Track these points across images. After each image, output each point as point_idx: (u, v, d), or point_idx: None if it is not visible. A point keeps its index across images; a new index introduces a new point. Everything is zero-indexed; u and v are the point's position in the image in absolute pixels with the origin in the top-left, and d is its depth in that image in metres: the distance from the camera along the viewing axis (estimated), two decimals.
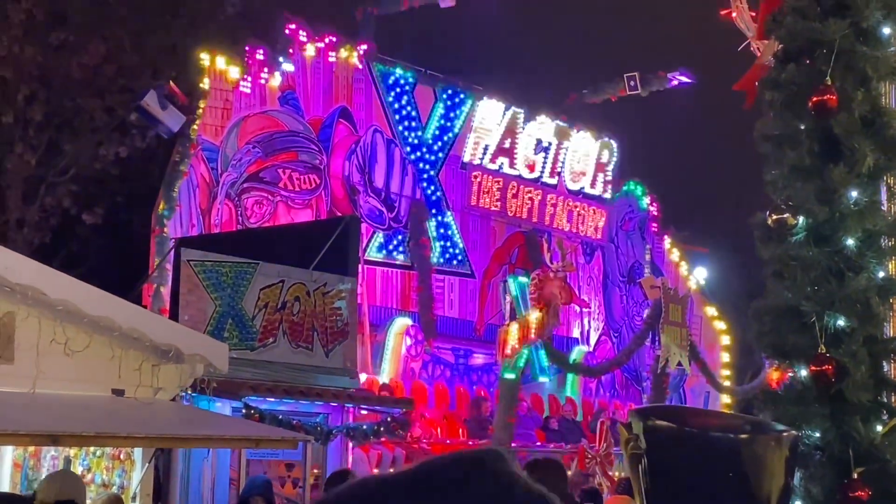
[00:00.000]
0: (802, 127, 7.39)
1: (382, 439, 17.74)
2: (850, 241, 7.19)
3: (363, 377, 18.63)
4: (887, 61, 7.38)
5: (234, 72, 19.56)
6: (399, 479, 1.31)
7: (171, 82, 18.50)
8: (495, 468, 1.25)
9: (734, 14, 11.88)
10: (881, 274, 7.26)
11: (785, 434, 5.24)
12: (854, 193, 7.20)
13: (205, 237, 17.87)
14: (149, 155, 21.22)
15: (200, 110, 18.93)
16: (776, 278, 7.35)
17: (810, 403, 7.08)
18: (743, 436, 5.15)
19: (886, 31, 7.43)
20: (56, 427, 8.95)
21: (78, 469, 11.17)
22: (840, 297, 7.05)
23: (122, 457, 11.08)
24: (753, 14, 11.26)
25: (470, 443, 19.63)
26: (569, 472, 18.67)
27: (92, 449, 11.03)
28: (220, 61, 19.45)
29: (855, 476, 6.86)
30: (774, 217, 7.37)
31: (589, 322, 26.91)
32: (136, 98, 18.42)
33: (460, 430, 20.86)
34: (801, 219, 7.30)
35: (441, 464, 1.28)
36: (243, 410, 13.48)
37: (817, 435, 7.08)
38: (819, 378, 6.98)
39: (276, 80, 20.30)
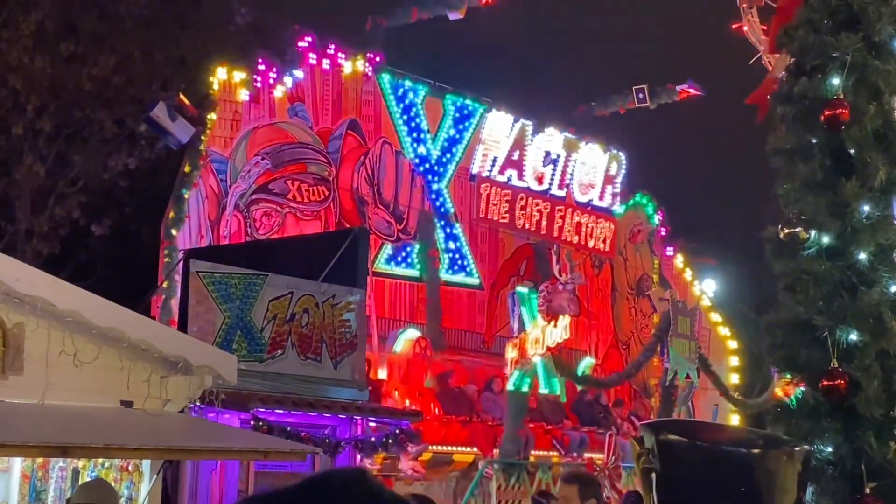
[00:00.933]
0: (814, 141, 7.37)
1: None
2: (863, 256, 7.17)
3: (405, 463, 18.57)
4: None
5: (243, 83, 19.58)
6: (282, 494, 1.31)
7: (181, 94, 18.53)
8: (367, 480, 1.29)
9: (745, 28, 11.87)
10: (893, 288, 7.23)
11: (797, 449, 5.22)
12: (866, 208, 7.17)
13: (214, 248, 17.87)
14: (158, 166, 21.26)
15: (210, 122, 18.96)
16: (788, 292, 7.32)
17: (823, 418, 7.05)
18: (755, 450, 5.13)
19: None
20: (65, 439, 8.93)
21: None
22: (852, 312, 7.02)
23: (130, 468, 11.06)
24: (765, 28, 11.24)
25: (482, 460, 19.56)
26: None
27: (100, 460, 11.01)
28: (230, 73, 19.47)
29: (867, 491, 6.83)
30: (787, 231, 7.35)
31: (597, 335, 26.85)
32: (145, 109, 18.44)
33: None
34: (813, 233, 7.28)
35: (320, 478, 1.31)
36: (252, 422, 13.46)
37: (830, 449, 7.05)
38: (831, 392, 6.95)
39: (284, 92, 20.32)
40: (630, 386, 26.75)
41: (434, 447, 18.99)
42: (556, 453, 21.17)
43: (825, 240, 7.14)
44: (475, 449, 20.10)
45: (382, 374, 19.80)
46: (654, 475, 5.07)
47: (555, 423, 20.64)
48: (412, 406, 19.17)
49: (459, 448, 19.63)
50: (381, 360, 20.15)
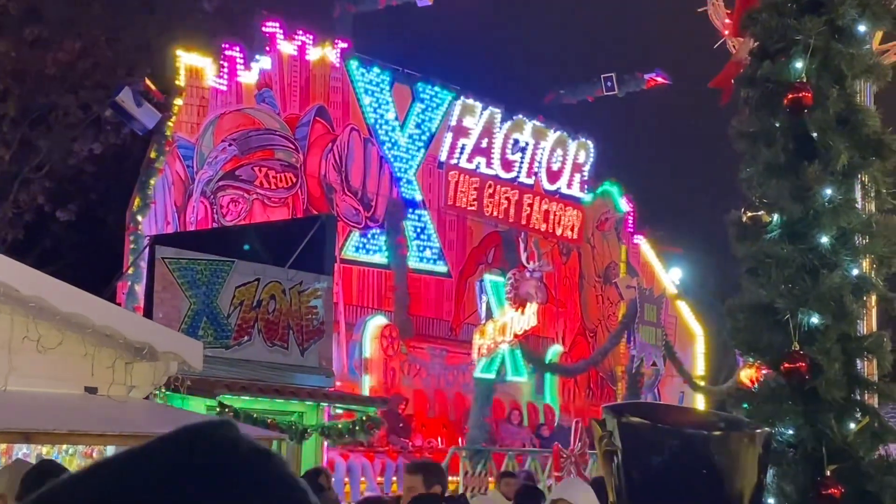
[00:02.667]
0: (777, 124, 7.38)
1: (386, 447, 17.74)
2: (825, 239, 7.20)
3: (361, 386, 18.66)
4: (862, 59, 7.38)
5: (210, 69, 19.49)
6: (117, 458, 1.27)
7: (147, 79, 18.43)
8: (218, 434, 1.24)
9: (709, 11, 11.91)
10: (855, 272, 7.27)
11: (758, 431, 5.24)
12: (828, 191, 7.20)
13: (180, 235, 17.80)
14: (124, 152, 21.12)
15: (176, 107, 18.86)
16: (750, 276, 7.34)
17: (783, 401, 7.08)
18: (716, 433, 5.15)
19: (862, 28, 7.44)
20: (28, 424, 8.89)
21: None
22: (814, 295, 7.05)
23: (94, 455, 11.00)
24: (729, 11, 11.29)
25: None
26: (546, 474, 18.71)
27: (64, 447, 10.95)
28: (196, 58, 19.37)
29: (828, 474, 6.86)
30: (749, 214, 7.37)
31: (564, 322, 26.93)
32: (110, 95, 18.32)
33: (460, 439, 20.73)
34: (775, 216, 7.30)
35: (161, 441, 1.25)
36: (217, 409, 13.43)
37: (790, 432, 7.08)
38: (792, 375, 6.98)
39: (252, 78, 20.24)
40: (596, 373, 26.87)
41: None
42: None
43: (787, 223, 7.17)
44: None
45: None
46: (615, 458, 5.07)
47: None
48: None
49: None
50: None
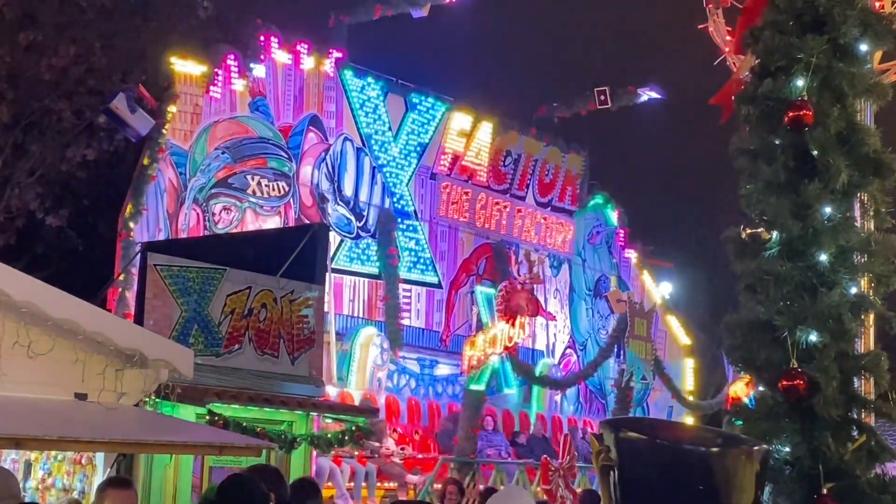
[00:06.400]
0: (778, 142, 7.40)
1: (357, 452, 17.70)
2: (824, 257, 7.21)
3: (334, 391, 18.58)
4: (863, 78, 7.40)
5: (204, 77, 19.45)
6: None
7: (141, 86, 18.36)
8: None
9: (710, 28, 11.92)
10: (853, 290, 7.28)
11: (756, 448, 5.22)
12: (828, 209, 7.21)
13: (172, 242, 17.74)
14: (116, 158, 21.07)
15: (170, 114, 18.82)
16: (749, 292, 7.35)
17: (781, 418, 7.08)
18: (714, 449, 5.13)
19: (863, 47, 7.46)
20: (18, 430, 8.80)
21: (39, 473, 11.04)
22: (812, 313, 7.06)
23: (83, 461, 10.95)
24: (730, 29, 11.31)
25: (440, 457, 19.58)
26: (533, 487, 18.68)
27: (53, 453, 10.89)
28: (191, 66, 19.34)
29: (825, 491, 6.86)
30: (748, 231, 7.38)
31: (555, 335, 26.91)
32: (104, 101, 18.25)
33: (431, 445, 20.78)
34: (774, 234, 7.31)
35: None
36: (207, 417, 13.36)
37: (787, 450, 7.08)
38: (790, 393, 6.98)
39: (246, 86, 20.21)
40: (586, 387, 26.86)
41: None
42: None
43: (787, 241, 7.17)
44: None
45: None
46: (612, 473, 5.06)
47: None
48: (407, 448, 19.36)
49: None
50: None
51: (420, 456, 19.74)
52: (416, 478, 18.53)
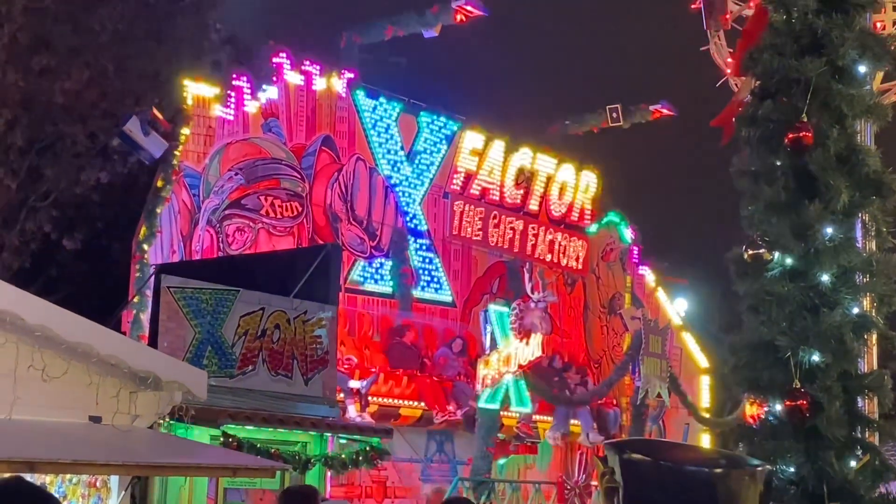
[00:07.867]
0: (778, 163, 7.45)
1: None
2: (825, 277, 7.24)
3: (353, 410, 18.65)
4: (862, 99, 7.45)
5: (217, 99, 19.59)
6: None
7: (154, 108, 18.48)
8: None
9: (712, 50, 11.98)
10: (855, 310, 7.31)
11: (759, 469, 5.27)
12: (829, 230, 7.25)
13: (185, 264, 17.83)
14: (130, 181, 21.19)
15: (183, 136, 18.94)
16: (752, 313, 7.39)
17: (785, 438, 7.11)
18: (718, 470, 5.18)
19: (862, 69, 7.51)
20: (32, 454, 8.90)
21: None
22: (815, 333, 7.09)
23: (98, 484, 11.02)
24: (731, 51, 11.36)
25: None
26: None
27: (68, 476, 10.97)
28: (204, 88, 19.48)
29: None
30: (750, 252, 7.42)
31: (569, 353, 26.88)
32: (118, 124, 18.38)
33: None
34: (776, 254, 7.35)
35: None
36: (221, 438, 13.43)
37: (792, 470, 7.11)
38: (794, 413, 7.01)
39: (258, 108, 20.34)
40: (599, 405, 26.80)
41: (381, 400, 19.61)
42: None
43: (788, 261, 7.21)
44: (423, 404, 20.46)
45: None
46: (617, 494, 5.11)
47: None
48: (351, 358, 19.41)
49: (407, 402, 20.32)
50: None
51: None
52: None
